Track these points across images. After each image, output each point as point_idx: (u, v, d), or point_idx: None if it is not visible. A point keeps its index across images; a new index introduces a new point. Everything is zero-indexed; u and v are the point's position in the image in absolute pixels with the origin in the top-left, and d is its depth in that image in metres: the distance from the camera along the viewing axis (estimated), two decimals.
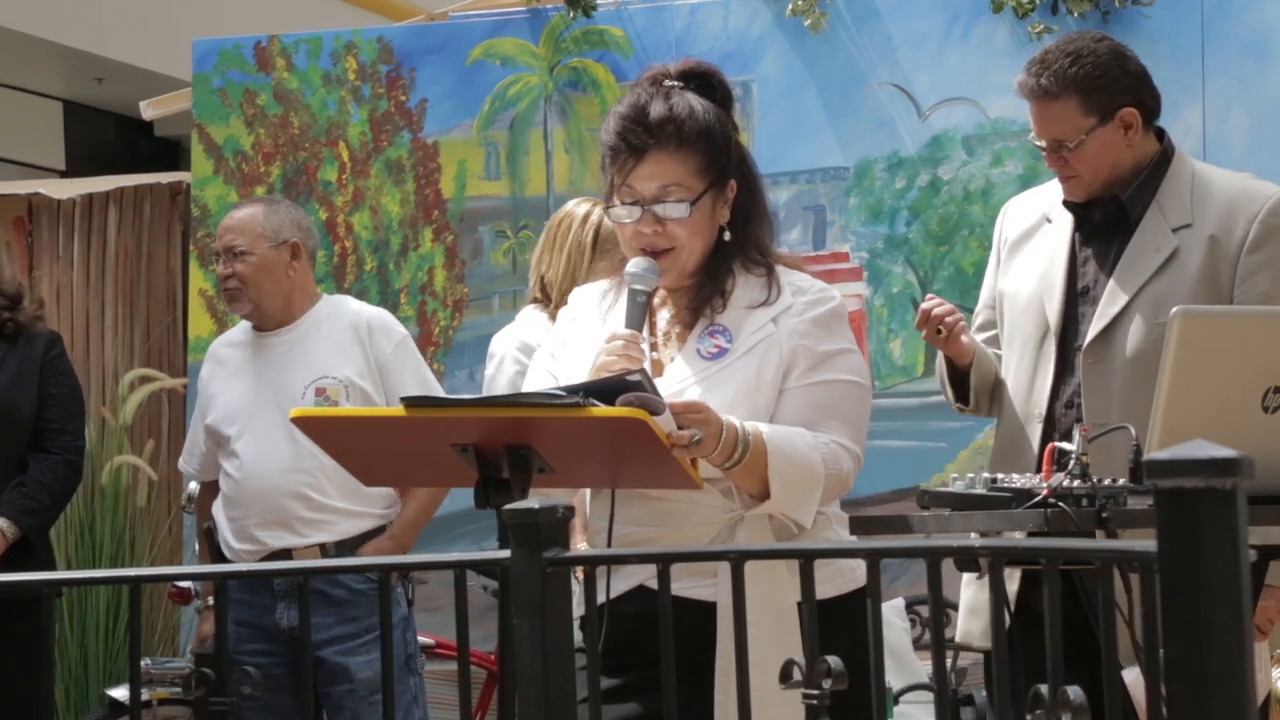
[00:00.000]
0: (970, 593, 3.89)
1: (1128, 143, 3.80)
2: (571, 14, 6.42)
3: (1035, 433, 3.79)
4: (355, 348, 4.94)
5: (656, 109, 3.19)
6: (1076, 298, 3.82)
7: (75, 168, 11.90)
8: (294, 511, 4.88)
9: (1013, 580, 3.60)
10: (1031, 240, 3.91)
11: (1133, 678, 3.27)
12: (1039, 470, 3.48)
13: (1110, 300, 3.76)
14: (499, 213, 6.51)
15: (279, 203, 5.22)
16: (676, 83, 3.25)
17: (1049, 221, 3.91)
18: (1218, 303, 3.70)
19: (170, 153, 11.91)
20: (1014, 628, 3.02)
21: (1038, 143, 3.84)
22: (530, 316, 4.60)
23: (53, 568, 5.10)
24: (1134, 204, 3.82)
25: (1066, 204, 3.87)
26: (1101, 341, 3.76)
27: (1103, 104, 3.78)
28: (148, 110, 7.76)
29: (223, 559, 4.97)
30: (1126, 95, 3.80)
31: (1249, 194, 3.79)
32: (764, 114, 6.16)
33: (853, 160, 6.11)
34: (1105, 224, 3.84)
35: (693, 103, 3.21)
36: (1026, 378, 3.84)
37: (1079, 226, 3.86)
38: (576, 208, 4.62)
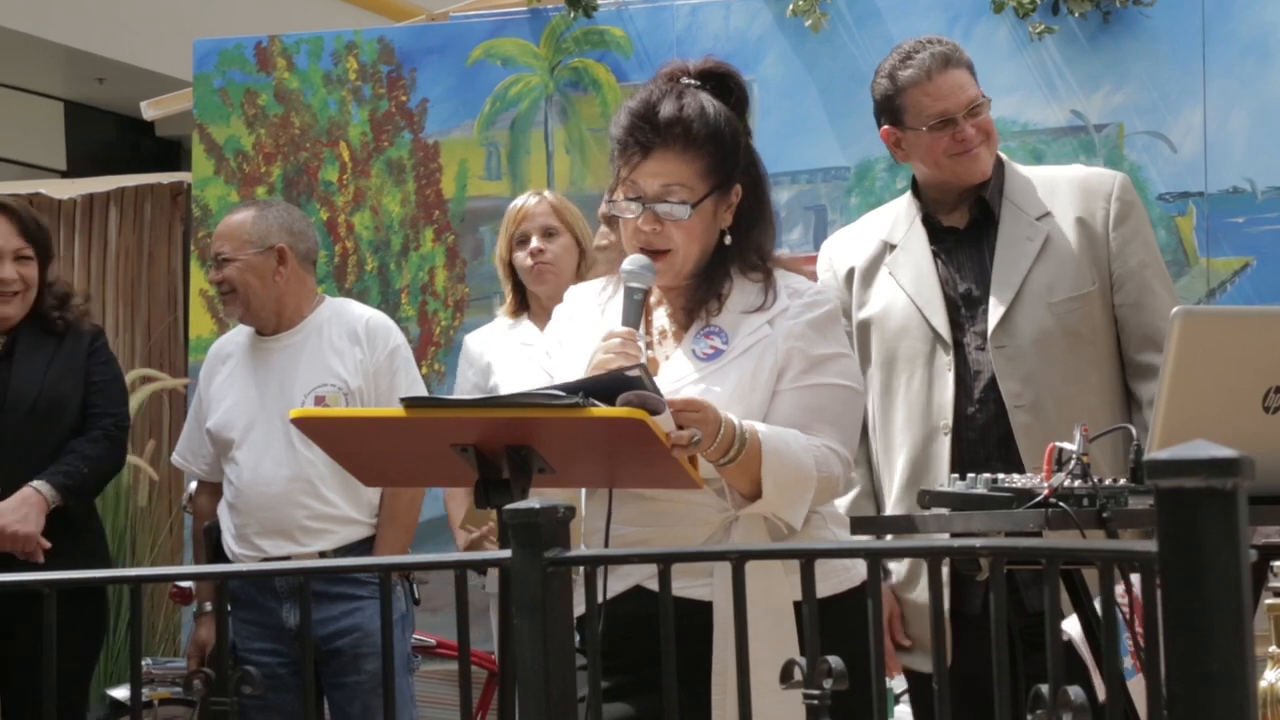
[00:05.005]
0: None
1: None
2: (572, 14, 6.42)
3: (944, 447, 3.81)
4: (354, 350, 4.94)
5: (667, 108, 3.17)
6: (959, 305, 3.88)
7: (76, 168, 11.91)
8: (295, 520, 4.87)
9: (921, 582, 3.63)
10: (881, 269, 3.95)
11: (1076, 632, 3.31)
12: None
13: (1001, 289, 3.83)
14: (500, 213, 6.45)
15: (272, 207, 5.20)
16: (693, 81, 3.23)
17: (893, 248, 3.94)
18: (1100, 277, 3.85)
19: (171, 153, 11.91)
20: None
21: (936, 122, 3.88)
22: None
23: (105, 550, 5.09)
24: (994, 203, 3.91)
25: (927, 221, 3.92)
26: (1003, 330, 3.82)
27: (976, 82, 3.97)
28: (149, 110, 7.77)
29: (224, 558, 4.97)
30: None
31: (1096, 177, 3.99)
32: (765, 114, 6.15)
33: (853, 160, 6.10)
34: (970, 231, 3.91)
35: (704, 104, 3.18)
36: (922, 395, 3.86)
37: (936, 241, 3.92)
38: None
